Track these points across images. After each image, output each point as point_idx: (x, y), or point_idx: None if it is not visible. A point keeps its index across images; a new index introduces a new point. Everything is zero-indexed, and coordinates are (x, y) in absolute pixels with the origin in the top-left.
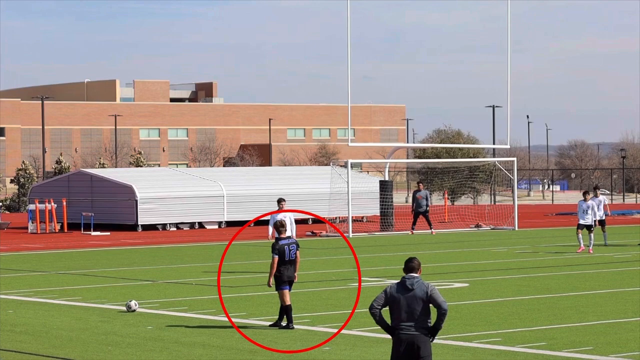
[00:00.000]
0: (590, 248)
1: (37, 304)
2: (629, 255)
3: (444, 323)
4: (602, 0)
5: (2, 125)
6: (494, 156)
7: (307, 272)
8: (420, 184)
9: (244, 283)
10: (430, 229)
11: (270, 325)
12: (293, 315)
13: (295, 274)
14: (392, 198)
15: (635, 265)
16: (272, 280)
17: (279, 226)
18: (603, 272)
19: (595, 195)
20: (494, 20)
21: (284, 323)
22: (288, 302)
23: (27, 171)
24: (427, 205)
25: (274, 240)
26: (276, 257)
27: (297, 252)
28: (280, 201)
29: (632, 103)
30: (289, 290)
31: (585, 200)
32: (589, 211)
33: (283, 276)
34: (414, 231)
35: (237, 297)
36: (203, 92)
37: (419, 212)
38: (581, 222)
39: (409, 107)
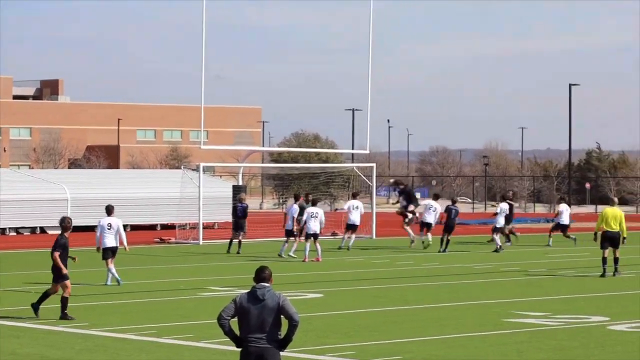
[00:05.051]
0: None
1: None
2: (490, 265)
3: (295, 335)
4: (463, 1)
5: None
6: (353, 161)
7: (154, 280)
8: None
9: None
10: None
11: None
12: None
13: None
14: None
15: (496, 276)
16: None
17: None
18: (463, 284)
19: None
20: (356, 22)
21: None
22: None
23: None
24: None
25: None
26: (57, 253)
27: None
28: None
29: (495, 109)
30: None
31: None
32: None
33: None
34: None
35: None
36: (48, 89)
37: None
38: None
39: (265, 109)
